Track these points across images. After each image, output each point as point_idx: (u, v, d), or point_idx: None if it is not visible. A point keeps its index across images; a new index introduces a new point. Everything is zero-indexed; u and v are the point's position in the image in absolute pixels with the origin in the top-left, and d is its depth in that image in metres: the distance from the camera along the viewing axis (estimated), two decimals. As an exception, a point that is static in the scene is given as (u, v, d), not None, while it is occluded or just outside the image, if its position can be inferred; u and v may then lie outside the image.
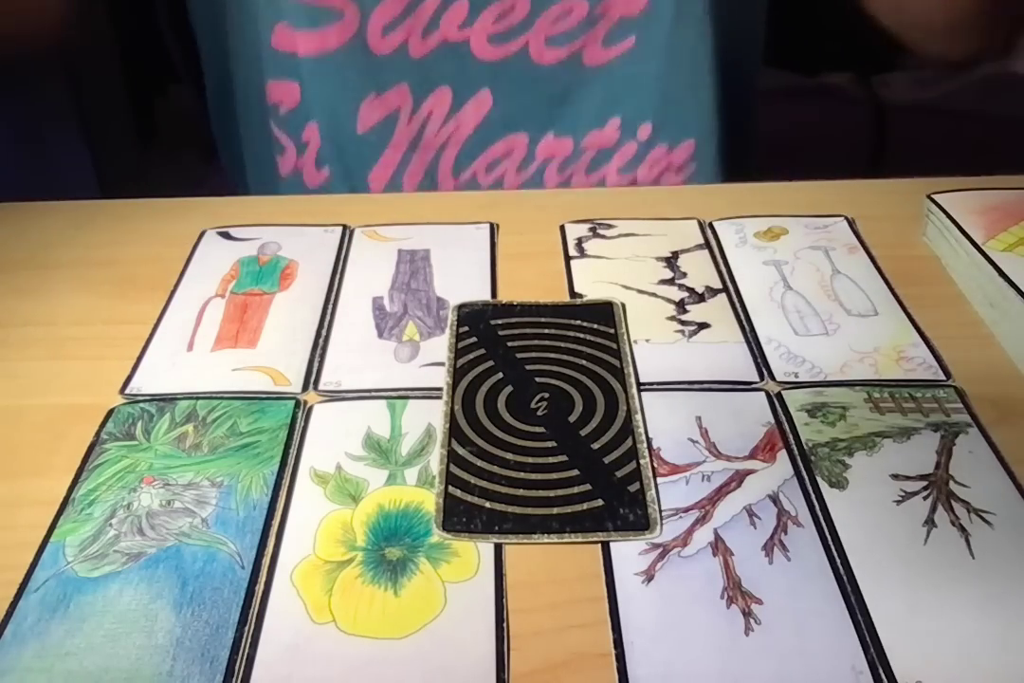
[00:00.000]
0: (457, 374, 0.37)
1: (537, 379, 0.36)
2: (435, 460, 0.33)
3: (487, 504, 0.31)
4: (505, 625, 0.27)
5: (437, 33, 0.52)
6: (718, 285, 0.42)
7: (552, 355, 0.38)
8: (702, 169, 0.58)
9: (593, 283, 0.42)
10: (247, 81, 0.57)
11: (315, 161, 0.57)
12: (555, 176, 0.58)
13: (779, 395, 0.36)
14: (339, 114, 0.55)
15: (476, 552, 0.30)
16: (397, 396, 0.36)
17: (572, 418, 0.34)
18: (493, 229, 0.47)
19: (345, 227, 0.47)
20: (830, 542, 0.30)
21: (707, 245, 0.45)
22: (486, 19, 0.52)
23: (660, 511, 0.31)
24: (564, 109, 0.55)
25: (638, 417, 0.34)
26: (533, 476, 0.32)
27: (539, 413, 0.35)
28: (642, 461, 0.32)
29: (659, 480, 0.32)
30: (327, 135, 0.55)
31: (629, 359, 0.37)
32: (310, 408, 0.35)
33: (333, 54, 0.52)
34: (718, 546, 0.30)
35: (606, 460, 0.32)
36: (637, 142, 0.56)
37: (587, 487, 0.31)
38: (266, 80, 0.54)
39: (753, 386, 0.36)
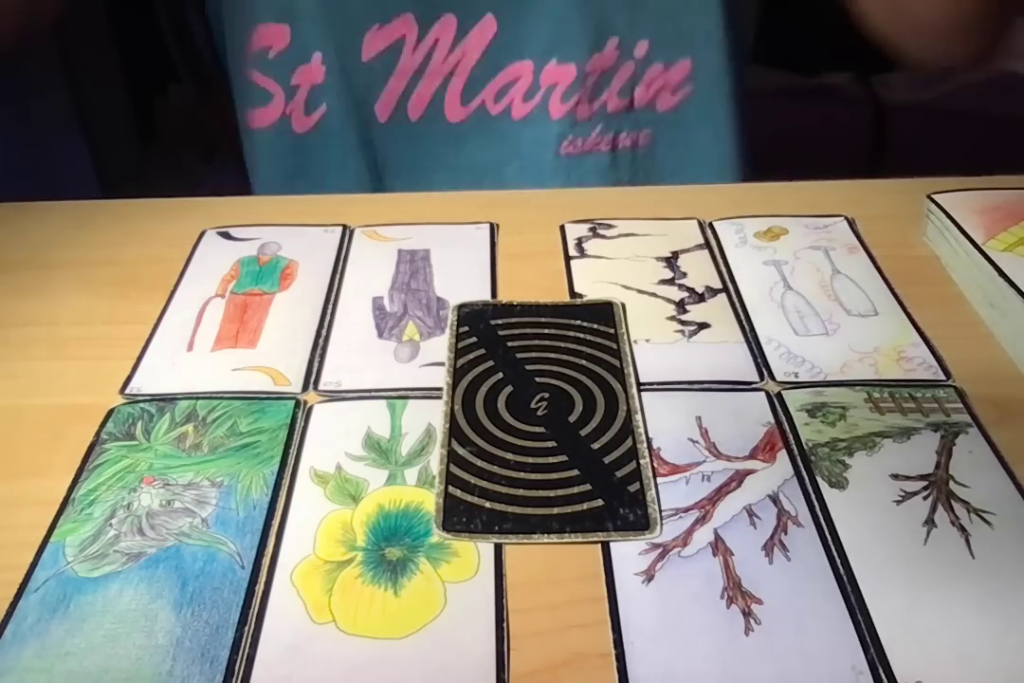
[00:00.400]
0: (457, 374, 0.37)
1: (537, 379, 0.36)
2: (435, 460, 0.33)
3: (487, 504, 0.31)
4: (505, 625, 0.27)
5: None
6: (718, 285, 0.42)
7: (552, 355, 0.38)
8: (702, 94, 0.57)
9: (593, 283, 0.42)
10: (233, 29, 0.56)
11: (305, 104, 0.57)
12: (559, 105, 0.57)
13: (779, 395, 0.36)
14: (343, 44, 0.54)
15: (476, 552, 0.30)
16: (397, 396, 0.36)
17: (572, 418, 0.34)
18: (493, 229, 0.47)
19: (345, 227, 0.47)
20: (830, 542, 0.30)
21: (707, 245, 0.45)
22: None
23: (660, 511, 0.31)
24: (565, 33, 0.55)
25: (638, 417, 0.34)
26: (533, 476, 0.32)
27: (539, 413, 0.35)
28: (642, 461, 0.32)
29: (659, 480, 0.32)
30: (332, 66, 0.55)
31: (629, 359, 0.37)
32: (310, 408, 0.35)
33: None
34: (718, 546, 0.30)
35: (606, 460, 0.32)
36: (635, 61, 0.56)
37: (587, 487, 0.31)
38: (256, 24, 0.54)
39: (753, 386, 0.36)
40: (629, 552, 0.29)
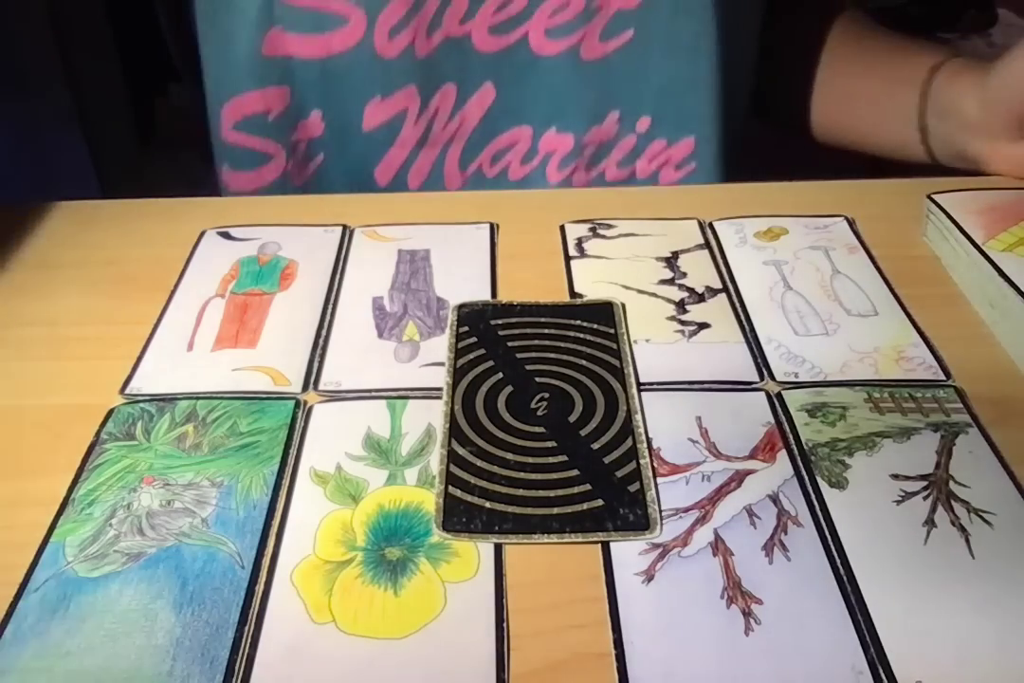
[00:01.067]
0: (457, 374, 0.37)
1: (537, 379, 0.36)
2: (435, 460, 0.33)
3: (487, 504, 0.31)
4: (505, 625, 0.27)
5: (440, 30, 0.52)
6: (718, 285, 0.42)
7: (552, 355, 0.38)
8: (703, 169, 0.58)
9: (593, 283, 0.42)
10: (219, 97, 0.56)
11: (305, 155, 0.57)
12: (556, 172, 0.58)
13: (779, 395, 0.36)
14: (342, 114, 0.54)
15: (476, 552, 0.30)
16: (397, 396, 0.36)
17: (572, 418, 0.34)
18: (493, 229, 0.47)
19: (345, 227, 0.47)
20: (830, 542, 0.30)
21: (707, 245, 0.45)
22: (486, 11, 0.52)
23: (660, 511, 0.31)
24: (564, 104, 0.55)
25: (638, 417, 0.34)
26: (533, 476, 0.32)
27: (539, 413, 0.35)
28: (642, 461, 0.32)
29: (659, 480, 0.32)
30: (331, 124, 0.55)
31: (629, 359, 0.37)
32: (310, 408, 0.35)
33: (337, 58, 0.52)
34: (718, 546, 0.30)
35: (606, 460, 0.32)
36: (636, 135, 0.57)
37: (587, 487, 0.31)
38: (250, 89, 0.53)
39: (753, 386, 0.36)
40: (629, 552, 0.29)
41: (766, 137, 0.68)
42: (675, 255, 0.44)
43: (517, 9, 0.52)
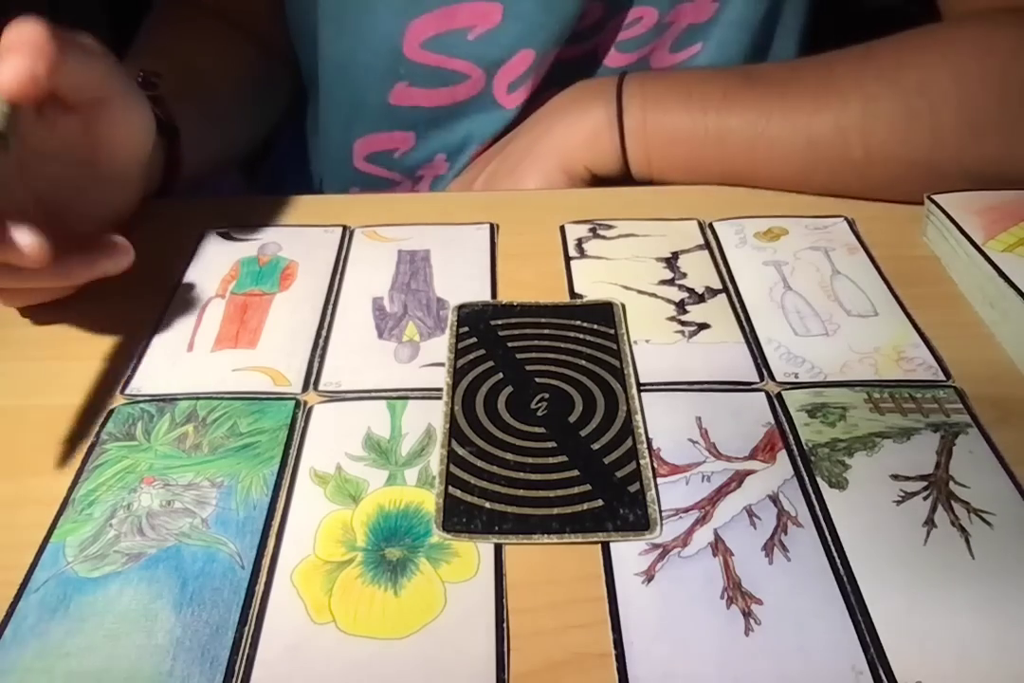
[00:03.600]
0: (457, 374, 0.37)
1: (537, 379, 0.36)
2: (435, 460, 0.33)
3: (487, 504, 0.31)
4: (505, 625, 0.27)
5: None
6: (718, 285, 0.42)
7: (552, 355, 0.38)
8: None
9: (593, 283, 0.42)
10: (348, 136, 0.60)
11: (429, 183, 0.62)
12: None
13: (779, 395, 0.36)
14: (463, 155, 0.59)
15: (476, 552, 0.30)
16: (397, 396, 0.36)
17: (572, 418, 0.34)
18: (493, 229, 0.47)
19: (345, 227, 0.47)
20: (830, 542, 0.30)
21: (707, 245, 0.45)
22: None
23: (660, 511, 0.31)
24: None
25: (638, 417, 0.34)
26: (533, 476, 0.32)
27: (539, 413, 0.35)
28: (642, 461, 0.32)
29: (659, 480, 0.32)
30: (453, 168, 0.60)
31: (629, 359, 0.37)
32: (310, 408, 0.35)
33: (460, 106, 0.56)
34: (718, 546, 0.30)
35: (606, 460, 0.32)
36: None
37: (587, 487, 0.31)
38: (377, 132, 0.59)
39: (753, 386, 0.36)
40: (629, 552, 0.29)
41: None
42: (675, 255, 0.44)
43: (590, 22, 0.55)
